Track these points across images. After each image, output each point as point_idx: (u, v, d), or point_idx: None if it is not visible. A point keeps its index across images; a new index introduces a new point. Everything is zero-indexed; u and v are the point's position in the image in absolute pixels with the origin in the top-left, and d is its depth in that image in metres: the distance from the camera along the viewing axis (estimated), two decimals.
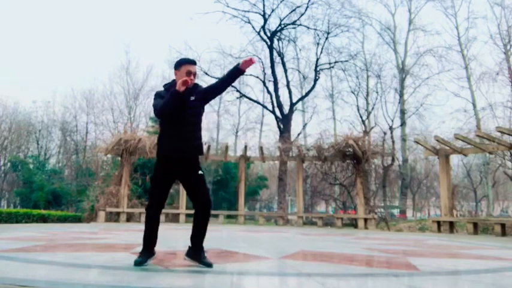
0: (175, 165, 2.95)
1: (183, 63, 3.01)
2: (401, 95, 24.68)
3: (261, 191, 25.29)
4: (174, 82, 3.03)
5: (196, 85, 3.06)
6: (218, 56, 27.25)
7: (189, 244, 3.00)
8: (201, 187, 2.99)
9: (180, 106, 2.88)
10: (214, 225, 13.10)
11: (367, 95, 25.38)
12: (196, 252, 2.95)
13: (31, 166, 25.03)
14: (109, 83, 52.91)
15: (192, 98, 3.00)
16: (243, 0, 21.33)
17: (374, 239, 7.68)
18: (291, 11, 21.11)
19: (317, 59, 21.94)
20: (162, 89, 3.08)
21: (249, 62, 2.96)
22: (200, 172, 3.03)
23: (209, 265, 2.86)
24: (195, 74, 3.00)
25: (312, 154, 14.94)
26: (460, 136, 12.06)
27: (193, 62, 3.05)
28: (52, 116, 31.36)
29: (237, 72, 3.02)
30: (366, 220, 13.21)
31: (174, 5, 52.71)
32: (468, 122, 22.08)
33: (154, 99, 3.02)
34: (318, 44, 22.09)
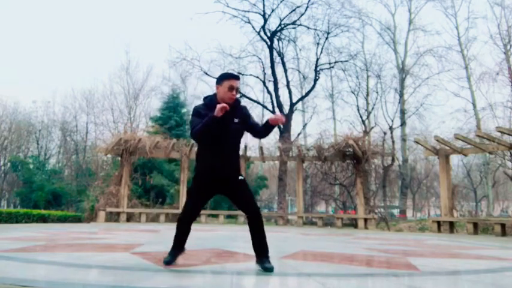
0: (213, 182, 2.93)
1: (226, 78, 2.90)
2: (401, 95, 24.69)
3: (261, 191, 25.28)
4: (214, 96, 2.95)
5: (238, 102, 2.99)
6: (218, 56, 27.26)
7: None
8: (245, 196, 2.96)
9: (219, 129, 2.83)
10: (214, 225, 13.10)
11: (367, 95, 25.39)
12: (261, 259, 2.93)
13: (31, 166, 25.04)
14: (109, 83, 52.92)
15: (236, 120, 2.92)
16: (243, 0, 21.33)
17: (374, 239, 7.68)
18: (291, 11, 21.10)
19: (317, 59, 21.94)
20: (199, 102, 3.02)
21: (279, 120, 2.90)
22: (241, 178, 2.98)
23: (269, 269, 2.83)
24: (237, 90, 2.91)
25: (312, 154, 14.94)
26: (460, 136, 12.06)
27: (236, 77, 2.93)
28: (52, 116, 31.40)
29: (269, 127, 2.98)
30: (366, 220, 13.21)
31: (174, 5, 52.74)
32: (468, 122, 22.11)
33: (193, 115, 2.92)
34: (318, 44, 22.10)
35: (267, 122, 2.94)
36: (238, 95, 2.96)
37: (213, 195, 3.07)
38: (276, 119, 2.89)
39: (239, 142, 3.05)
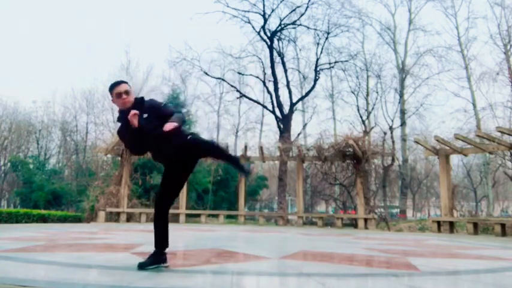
0: (179, 165, 2.94)
1: (111, 89, 2.94)
2: (401, 95, 24.69)
3: (261, 191, 25.28)
4: (119, 110, 2.98)
5: (141, 101, 2.96)
6: (218, 56, 27.23)
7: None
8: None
9: (145, 135, 2.84)
10: (215, 225, 13.10)
11: (367, 95, 25.38)
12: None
13: (31, 166, 25.03)
14: (109, 83, 52.77)
15: (145, 115, 2.88)
16: (243, 0, 21.33)
17: (374, 239, 7.68)
18: (291, 11, 21.10)
19: (317, 59, 21.94)
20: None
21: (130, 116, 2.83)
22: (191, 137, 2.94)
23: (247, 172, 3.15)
24: (126, 92, 2.89)
25: (312, 154, 14.94)
26: (460, 136, 12.06)
27: (118, 83, 2.96)
28: (52, 116, 31.36)
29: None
30: (366, 220, 13.21)
31: (174, 5, 52.71)
32: (468, 122, 22.11)
33: (124, 137, 3.01)
34: (318, 44, 22.10)
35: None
36: (130, 97, 2.91)
37: (185, 177, 3.08)
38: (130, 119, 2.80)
39: (163, 121, 2.85)
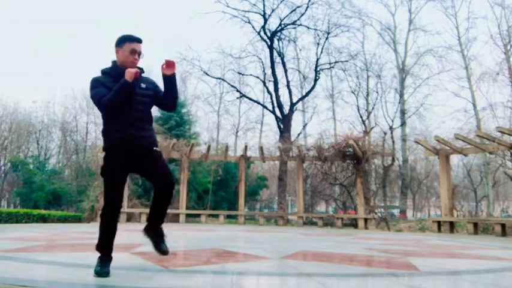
0: (128, 156, 2.61)
1: (128, 40, 2.64)
2: (401, 95, 24.69)
3: (261, 191, 25.27)
4: (114, 65, 2.68)
5: (142, 71, 2.71)
6: (218, 56, 27.26)
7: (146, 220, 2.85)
8: (160, 164, 2.69)
9: (129, 96, 2.57)
10: (215, 225, 13.10)
11: (367, 95, 25.39)
12: (153, 231, 2.78)
13: (31, 166, 25.02)
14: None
15: (143, 85, 2.68)
16: (243, 0, 21.32)
17: (374, 239, 7.68)
18: (291, 11, 21.10)
19: (317, 59, 21.94)
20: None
21: (168, 64, 2.66)
22: (156, 149, 2.72)
23: (165, 252, 2.73)
24: (139, 54, 2.66)
25: (312, 154, 14.93)
26: (460, 136, 12.06)
27: (140, 41, 2.68)
28: (52, 116, 31.37)
29: (166, 80, 2.68)
30: (366, 220, 13.21)
31: (174, 5, 52.72)
32: (468, 122, 22.09)
33: (95, 87, 2.57)
34: (318, 44, 22.10)
35: (162, 76, 2.67)
36: (140, 61, 2.68)
37: (128, 174, 2.76)
38: (168, 64, 2.62)
39: (149, 112, 2.77)
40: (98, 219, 13.40)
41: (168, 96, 2.73)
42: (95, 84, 2.59)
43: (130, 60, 2.63)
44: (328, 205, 24.02)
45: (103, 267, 2.50)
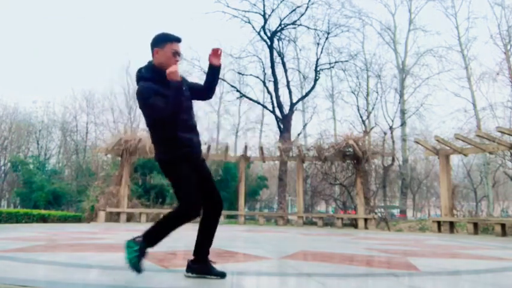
0: (192, 165, 2.46)
1: (169, 41, 2.46)
2: (401, 95, 24.69)
3: (261, 191, 25.29)
4: (154, 67, 2.48)
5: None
6: None
7: (192, 255, 2.52)
8: (211, 179, 2.57)
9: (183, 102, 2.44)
10: None
11: (367, 95, 25.40)
12: (205, 263, 2.51)
13: (31, 166, 25.03)
14: (109, 83, 52.92)
15: (184, 87, 2.49)
16: (243, 0, 21.32)
17: (374, 239, 7.68)
18: (291, 11, 21.11)
19: (317, 59, 21.95)
20: (146, 81, 2.42)
21: (215, 53, 2.55)
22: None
23: (223, 275, 2.48)
24: (180, 55, 2.52)
25: (312, 154, 14.94)
26: (460, 136, 12.06)
27: (180, 40, 2.52)
28: (52, 116, 31.39)
29: (213, 69, 2.60)
30: (366, 220, 13.21)
31: (174, 5, 52.71)
32: (468, 122, 22.11)
33: (150, 96, 2.35)
34: (318, 44, 22.11)
35: (209, 65, 2.58)
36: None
37: None
38: (214, 52, 2.53)
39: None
40: (98, 219, 13.32)
41: (211, 86, 2.62)
42: (150, 92, 2.36)
43: (173, 63, 2.44)
44: (328, 205, 24.03)
45: (140, 261, 2.31)
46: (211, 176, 2.59)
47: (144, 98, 2.36)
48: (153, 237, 2.39)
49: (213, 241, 2.57)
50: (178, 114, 2.40)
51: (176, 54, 2.46)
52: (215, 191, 2.55)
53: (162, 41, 2.46)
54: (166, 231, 2.43)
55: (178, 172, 2.41)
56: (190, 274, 2.48)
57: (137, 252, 2.30)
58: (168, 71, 2.33)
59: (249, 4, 22.35)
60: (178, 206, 2.43)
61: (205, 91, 2.64)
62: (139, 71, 2.52)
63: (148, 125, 2.51)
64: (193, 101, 2.64)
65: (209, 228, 2.55)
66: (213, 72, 2.60)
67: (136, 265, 2.29)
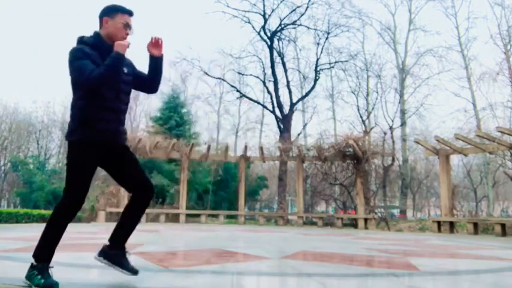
0: (103, 152, 2.25)
1: (121, 11, 2.30)
2: (401, 95, 24.69)
3: (261, 191, 25.27)
4: (100, 37, 2.28)
5: None
6: (218, 56, 27.26)
7: (107, 242, 2.37)
8: (137, 167, 2.37)
9: (117, 77, 2.24)
10: (215, 225, 13.09)
11: (367, 95, 25.40)
12: (119, 252, 2.32)
13: (31, 166, 25.04)
14: None
15: (125, 70, 2.32)
16: (243, 0, 21.33)
17: (374, 239, 7.68)
18: (291, 11, 21.12)
19: (317, 59, 21.96)
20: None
21: (156, 42, 2.37)
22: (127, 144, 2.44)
23: (135, 272, 2.29)
24: (131, 29, 2.35)
25: (312, 154, 14.94)
26: (460, 136, 12.06)
27: (132, 13, 2.37)
28: (52, 116, 31.42)
29: (153, 60, 2.39)
30: (366, 220, 13.21)
31: (174, 5, 52.72)
32: (468, 122, 22.11)
33: (79, 58, 2.13)
34: (318, 44, 22.12)
35: (150, 56, 2.38)
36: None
37: (97, 168, 2.31)
38: (155, 42, 2.36)
39: (129, 102, 2.45)
40: (98, 219, 13.36)
41: (153, 80, 2.41)
42: (79, 54, 2.14)
43: (122, 36, 2.27)
44: (328, 205, 24.01)
45: (48, 278, 2.04)
46: (137, 162, 2.40)
47: (74, 58, 2.14)
48: (42, 249, 2.14)
49: (132, 232, 2.40)
50: (106, 90, 2.19)
51: (127, 26, 2.30)
52: (145, 177, 2.37)
53: (114, 11, 2.29)
54: (53, 235, 2.17)
55: (76, 157, 2.18)
56: (102, 259, 2.32)
57: (38, 273, 2.05)
58: (117, 42, 2.18)
59: (249, 4, 22.40)
60: (61, 199, 2.20)
61: (148, 84, 2.45)
62: (81, 36, 2.30)
63: (72, 91, 2.25)
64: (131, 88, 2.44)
65: (133, 217, 2.40)
66: (154, 64, 2.39)
67: (47, 283, 2.02)
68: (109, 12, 2.29)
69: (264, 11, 20.73)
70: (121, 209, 14.37)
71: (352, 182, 15.25)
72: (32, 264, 2.09)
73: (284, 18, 21.15)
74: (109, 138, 2.24)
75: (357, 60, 24.10)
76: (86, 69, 2.09)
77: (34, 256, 2.10)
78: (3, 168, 28.27)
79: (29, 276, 2.06)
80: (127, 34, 2.30)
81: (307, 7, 20.99)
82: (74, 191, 2.17)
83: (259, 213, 18.07)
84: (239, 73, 24.71)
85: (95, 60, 2.16)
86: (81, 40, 2.27)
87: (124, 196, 13.93)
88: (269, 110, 22.69)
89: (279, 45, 21.99)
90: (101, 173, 19.39)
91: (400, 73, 25.60)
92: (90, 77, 2.07)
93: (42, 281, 2.01)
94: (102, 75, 2.09)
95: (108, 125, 2.22)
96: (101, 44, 2.25)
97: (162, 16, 56.73)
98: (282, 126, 20.70)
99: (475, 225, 10.96)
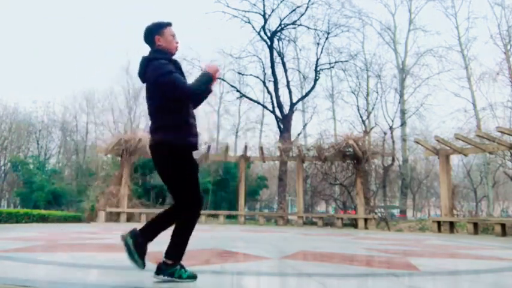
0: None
1: (164, 27, 2.49)
2: (401, 95, 24.67)
3: (261, 191, 25.27)
4: (162, 51, 2.45)
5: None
6: (218, 56, 27.26)
7: (163, 257, 2.33)
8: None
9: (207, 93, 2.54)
10: (214, 225, 13.09)
11: (367, 95, 25.38)
12: (146, 244, 2.39)
13: (31, 166, 25.03)
14: (109, 83, 52.95)
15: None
16: (243, 0, 21.32)
17: (374, 239, 7.68)
18: (291, 11, 21.09)
19: (317, 59, 21.93)
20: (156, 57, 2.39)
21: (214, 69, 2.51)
22: None
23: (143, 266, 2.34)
24: (175, 37, 2.56)
25: (312, 154, 14.94)
26: (460, 136, 12.06)
27: (171, 24, 2.56)
28: (52, 116, 31.38)
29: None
30: (366, 220, 13.20)
31: (174, 5, 52.71)
32: (468, 122, 22.09)
33: (171, 72, 2.30)
34: (318, 44, 22.09)
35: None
36: None
37: None
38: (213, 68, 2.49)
39: None
40: (98, 219, 13.30)
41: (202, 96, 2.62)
42: (169, 68, 2.32)
43: (175, 46, 2.50)
44: (328, 205, 24.01)
45: (187, 270, 2.32)
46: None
47: (164, 73, 2.29)
48: (181, 249, 2.34)
49: (161, 232, 2.41)
50: (189, 102, 2.46)
51: (175, 36, 2.52)
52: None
53: (160, 27, 2.48)
54: (188, 236, 2.36)
55: (188, 162, 2.32)
56: (159, 276, 2.31)
57: (181, 268, 2.32)
58: (213, 66, 2.46)
59: (249, 4, 22.38)
60: (183, 208, 2.32)
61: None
62: (149, 55, 2.46)
63: (156, 107, 2.37)
64: None
65: (167, 221, 2.42)
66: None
67: (191, 274, 2.32)
68: (156, 30, 2.48)
69: (264, 11, 20.72)
70: (121, 209, 14.31)
71: (352, 182, 15.25)
72: (166, 263, 2.29)
73: (284, 18, 21.15)
74: (198, 141, 2.47)
75: (357, 60, 24.08)
76: (181, 81, 2.31)
77: (175, 257, 2.32)
78: (3, 168, 28.26)
79: (171, 273, 2.28)
80: (177, 43, 2.52)
81: (307, 7, 20.98)
82: (196, 191, 2.35)
83: (259, 213, 18.07)
84: (239, 73, 24.69)
85: (177, 72, 2.39)
86: (155, 57, 2.41)
87: (124, 196, 13.93)
88: (269, 110, 22.68)
89: (279, 45, 21.99)
90: (100, 173, 19.38)
91: (400, 73, 25.59)
92: (186, 90, 2.31)
93: (187, 273, 2.32)
94: (196, 90, 2.35)
95: (196, 130, 2.47)
96: (169, 57, 2.46)
97: (162, 16, 56.72)
98: (282, 126, 20.69)
99: (475, 225, 10.96)
